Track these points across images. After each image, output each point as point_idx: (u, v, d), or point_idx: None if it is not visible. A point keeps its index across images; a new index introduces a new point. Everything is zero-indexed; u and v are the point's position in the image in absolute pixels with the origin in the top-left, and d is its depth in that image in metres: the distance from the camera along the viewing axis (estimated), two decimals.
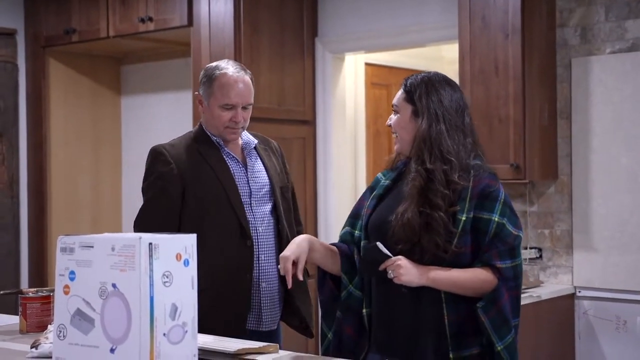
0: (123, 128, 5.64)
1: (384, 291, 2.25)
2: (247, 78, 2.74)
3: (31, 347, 2.05)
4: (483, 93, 3.82)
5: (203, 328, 2.03)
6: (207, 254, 2.54)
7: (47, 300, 2.40)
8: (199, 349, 1.75)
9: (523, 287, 3.77)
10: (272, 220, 2.74)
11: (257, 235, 2.70)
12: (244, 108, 2.71)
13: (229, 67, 2.73)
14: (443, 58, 5.54)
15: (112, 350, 1.60)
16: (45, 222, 5.23)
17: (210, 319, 2.38)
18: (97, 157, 5.52)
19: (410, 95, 2.29)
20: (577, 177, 3.91)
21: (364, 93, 5.12)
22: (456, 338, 2.17)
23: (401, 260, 2.15)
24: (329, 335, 2.36)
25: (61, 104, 5.33)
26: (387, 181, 2.36)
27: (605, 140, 3.85)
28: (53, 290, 2.37)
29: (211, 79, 2.74)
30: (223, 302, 2.62)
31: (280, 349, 2.78)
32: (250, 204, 2.71)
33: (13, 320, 2.53)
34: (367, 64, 5.13)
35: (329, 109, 4.79)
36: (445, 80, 2.32)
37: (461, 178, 2.19)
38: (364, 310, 2.30)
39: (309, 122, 4.77)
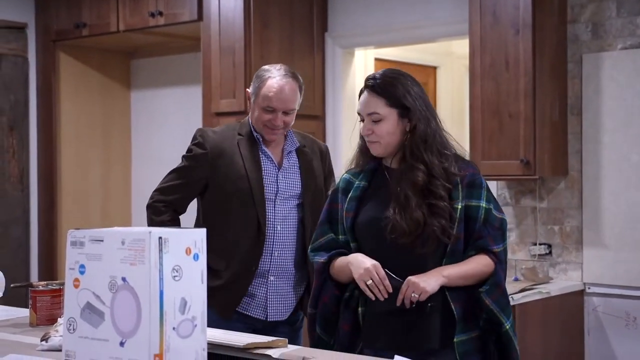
0: (133, 122, 5.65)
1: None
2: (294, 85, 2.82)
3: (41, 340, 2.06)
4: (493, 88, 3.80)
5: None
6: (225, 240, 2.76)
7: (57, 294, 2.41)
8: (208, 343, 1.75)
9: (532, 283, 3.80)
10: (295, 221, 2.84)
11: (275, 233, 2.80)
12: (285, 113, 2.80)
13: (279, 71, 2.83)
14: (453, 53, 5.52)
15: (121, 344, 1.60)
16: (55, 215, 5.25)
17: (210, 296, 2.57)
18: (107, 150, 5.54)
19: (392, 100, 2.29)
20: (588, 174, 3.90)
21: None
22: (461, 323, 2.24)
23: (411, 279, 2.19)
24: (331, 342, 2.37)
25: (71, 98, 5.34)
26: (363, 182, 2.37)
27: (616, 136, 3.83)
28: (63, 284, 2.38)
29: (260, 80, 2.83)
30: (227, 285, 2.76)
31: (297, 340, 2.85)
32: (275, 201, 2.81)
33: (23, 313, 2.54)
34: (377, 59, 5.12)
35: (339, 104, 4.79)
36: (407, 75, 2.36)
37: (456, 169, 2.28)
38: (360, 309, 2.31)
39: (319, 117, 4.77)
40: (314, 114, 4.73)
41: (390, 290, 2.21)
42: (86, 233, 1.67)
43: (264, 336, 2.09)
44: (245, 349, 1.96)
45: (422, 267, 2.23)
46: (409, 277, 2.19)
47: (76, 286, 1.67)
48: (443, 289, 2.23)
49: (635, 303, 3.79)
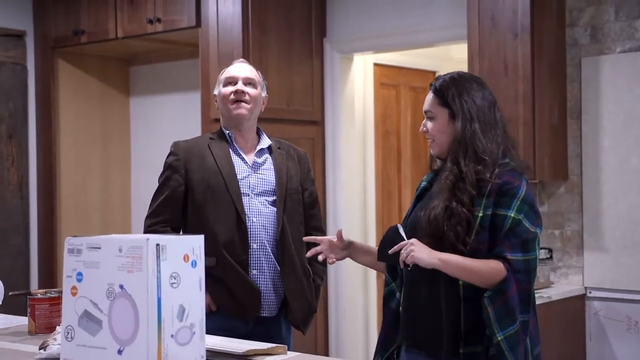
0: (132, 129, 5.65)
1: (410, 288, 2.33)
2: (250, 66, 2.98)
3: (39, 349, 2.05)
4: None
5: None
6: (209, 235, 2.73)
7: (56, 302, 2.40)
8: (206, 350, 1.74)
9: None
10: (271, 216, 2.87)
11: (252, 225, 2.84)
12: (246, 84, 2.91)
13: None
14: (452, 58, 5.52)
15: (119, 352, 1.59)
16: (55, 222, 5.24)
17: (223, 299, 2.79)
18: (106, 157, 5.53)
19: (444, 99, 2.32)
20: (588, 177, 3.89)
21: (373, 93, 5.11)
22: (469, 335, 2.22)
23: (412, 241, 2.20)
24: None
25: (70, 105, 5.34)
26: (424, 183, 2.44)
27: (616, 140, 3.82)
28: (62, 292, 2.37)
29: (220, 74, 3.00)
30: (229, 282, 2.80)
31: (283, 338, 2.86)
32: (249, 195, 2.86)
33: (22, 321, 2.53)
34: (375, 64, 5.12)
35: (338, 109, 4.78)
36: (472, 78, 2.38)
37: (489, 175, 2.25)
38: (401, 308, 2.38)
39: (318, 123, 4.76)
40: (313, 119, 4.72)
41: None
42: (83, 240, 1.66)
43: (263, 343, 2.08)
44: (245, 355, 1.95)
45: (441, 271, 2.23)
46: (413, 240, 2.20)
47: (74, 294, 1.67)
48: (459, 296, 2.23)
49: (636, 307, 3.78)
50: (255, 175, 2.89)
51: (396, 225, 2.29)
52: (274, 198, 2.88)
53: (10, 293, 2.61)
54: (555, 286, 3.90)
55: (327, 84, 4.78)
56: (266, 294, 2.85)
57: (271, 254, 2.86)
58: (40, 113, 5.33)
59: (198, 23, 4.52)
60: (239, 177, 2.86)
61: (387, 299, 2.42)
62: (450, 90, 2.32)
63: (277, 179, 2.89)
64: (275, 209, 2.86)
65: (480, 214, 2.20)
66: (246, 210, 2.84)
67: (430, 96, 2.37)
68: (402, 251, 2.19)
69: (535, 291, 3.68)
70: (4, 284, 2.58)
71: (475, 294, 2.21)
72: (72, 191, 5.32)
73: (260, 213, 2.85)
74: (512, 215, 2.21)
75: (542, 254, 3.99)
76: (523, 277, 2.22)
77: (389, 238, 2.28)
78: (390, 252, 2.23)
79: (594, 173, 3.87)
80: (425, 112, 2.37)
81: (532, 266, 2.24)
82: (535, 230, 2.24)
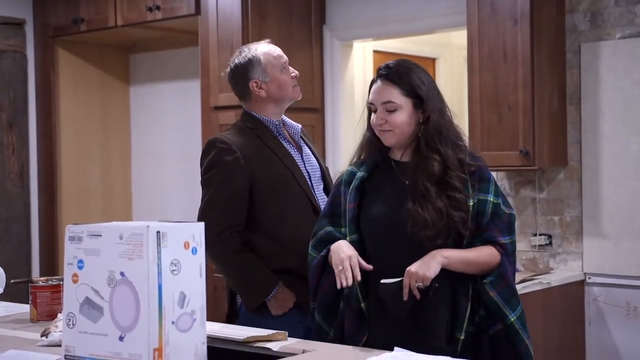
0: (132, 117, 5.65)
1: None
2: None
3: (41, 336, 2.07)
4: (492, 79, 3.80)
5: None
6: (286, 232, 2.63)
7: (57, 289, 2.41)
8: (207, 337, 1.75)
9: (533, 273, 3.79)
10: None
11: None
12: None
13: (255, 44, 2.80)
14: (452, 44, 5.52)
15: (120, 338, 1.61)
16: (56, 211, 5.26)
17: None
18: (106, 146, 5.54)
19: (407, 89, 2.26)
20: (587, 164, 3.89)
21: None
22: (467, 319, 2.22)
23: (410, 270, 2.15)
24: (330, 333, 2.34)
25: (70, 94, 5.34)
26: (362, 173, 2.34)
27: (615, 126, 3.82)
28: (63, 279, 2.39)
29: (256, 56, 2.73)
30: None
31: None
32: (311, 184, 2.73)
33: (24, 309, 2.54)
34: (375, 52, 5.11)
35: (338, 97, 4.78)
36: (418, 65, 2.34)
37: (469, 159, 2.27)
38: (362, 304, 2.28)
39: (318, 110, 4.76)
40: (313, 106, 4.72)
41: (359, 279, 2.18)
42: (84, 228, 1.67)
43: (264, 329, 2.09)
44: (246, 342, 1.96)
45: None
46: (408, 269, 2.15)
47: (75, 281, 1.68)
48: (454, 285, 2.22)
49: (635, 293, 3.79)
50: (307, 163, 2.75)
51: (380, 283, 2.18)
52: (323, 185, 2.77)
53: (12, 281, 2.62)
54: (554, 272, 3.91)
55: (326, 71, 4.78)
56: None
57: None
58: (41, 101, 5.34)
59: (197, 10, 4.52)
60: (298, 165, 2.71)
61: (348, 297, 2.30)
62: (412, 79, 2.26)
63: (319, 163, 2.79)
64: (327, 195, 2.69)
65: (471, 203, 2.23)
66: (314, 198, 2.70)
67: (384, 86, 2.27)
68: (417, 284, 2.13)
69: (535, 277, 3.73)
70: (5, 272, 2.59)
71: (464, 280, 2.23)
72: (72, 179, 5.33)
73: (322, 202, 2.67)
74: (492, 199, 2.26)
75: (542, 240, 4.00)
76: (513, 259, 2.29)
77: (391, 294, 2.17)
78: (405, 298, 2.15)
79: (594, 159, 3.87)
80: (384, 103, 2.26)
81: (515, 247, 2.31)
82: (511, 212, 2.31)
